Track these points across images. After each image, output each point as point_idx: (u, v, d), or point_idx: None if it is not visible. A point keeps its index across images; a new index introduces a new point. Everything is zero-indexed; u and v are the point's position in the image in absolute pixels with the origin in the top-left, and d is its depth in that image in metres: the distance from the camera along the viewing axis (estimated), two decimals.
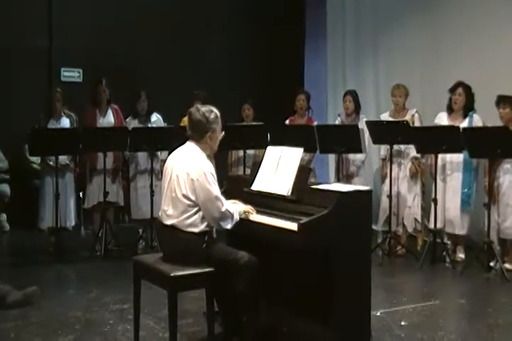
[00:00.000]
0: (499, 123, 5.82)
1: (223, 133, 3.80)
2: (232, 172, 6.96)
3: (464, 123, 5.99)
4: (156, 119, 6.70)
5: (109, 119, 6.58)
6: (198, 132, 3.71)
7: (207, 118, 3.68)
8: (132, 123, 6.67)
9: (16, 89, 7.45)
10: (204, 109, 3.73)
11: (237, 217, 3.68)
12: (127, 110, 6.75)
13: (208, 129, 3.69)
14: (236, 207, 3.73)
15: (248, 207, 3.77)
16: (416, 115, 6.46)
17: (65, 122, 6.50)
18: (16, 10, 7.58)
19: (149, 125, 6.63)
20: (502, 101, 5.77)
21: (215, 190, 3.60)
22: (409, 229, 6.49)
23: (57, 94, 6.47)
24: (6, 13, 7.52)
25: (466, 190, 6.04)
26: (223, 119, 3.81)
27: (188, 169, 3.61)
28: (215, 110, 3.76)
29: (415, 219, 6.45)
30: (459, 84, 6.10)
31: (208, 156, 3.75)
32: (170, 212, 3.67)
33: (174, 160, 3.75)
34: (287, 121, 7.05)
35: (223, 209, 3.60)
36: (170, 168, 3.73)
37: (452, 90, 6.13)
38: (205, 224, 3.64)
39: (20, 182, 7.30)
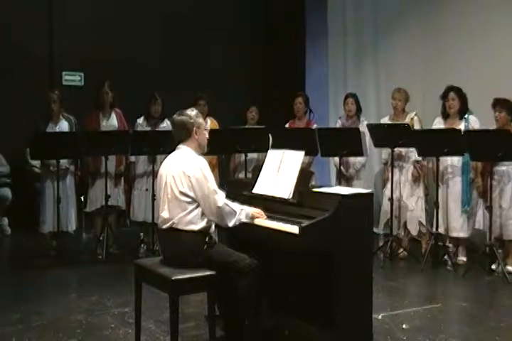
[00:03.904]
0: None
1: (207, 126, 3.82)
2: (234, 177, 6.94)
3: (461, 127, 5.99)
4: (165, 126, 6.54)
5: (112, 122, 6.54)
6: (185, 131, 3.75)
7: (189, 115, 3.74)
8: (142, 124, 6.62)
9: (17, 93, 7.45)
10: (184, 110, 3.79)
11: (241, 217, 3.66)
12: (130, 113, 6.72)
13: (192, 125, 3.73)
14: (244, 208, 3.72)
15: (258, 210, 3.76)
16: (415, 118, 6.45)
17: (64, 125, 6.43)
18: (17, 14, 7.59)
19: (156, 129, 6.57)
20: (498, 104, 5.76)
21: (212, 184, 3.62)
22: (414, 233, 6.45)
23: (53, 95, 6.38)
24: (6, 17, 7.53)
25: (465, 192, 6.04)
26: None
27: (183, 167, 3.63)
28: (195, 109, 3.86)
29: (419, 222, 6.42)
30: (450, 88, 6.08)
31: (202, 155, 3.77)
32: (167, 215, 3.66)
33: (168, 165, 3.76)
34: (287, 125, 7.05)
35: (221, 204, 3.60)
36: (164, 174, 3.74)
37: (444, 96, 6.12)
38: (205, 220, 3.64)
39: (22, 186, 7.29)
